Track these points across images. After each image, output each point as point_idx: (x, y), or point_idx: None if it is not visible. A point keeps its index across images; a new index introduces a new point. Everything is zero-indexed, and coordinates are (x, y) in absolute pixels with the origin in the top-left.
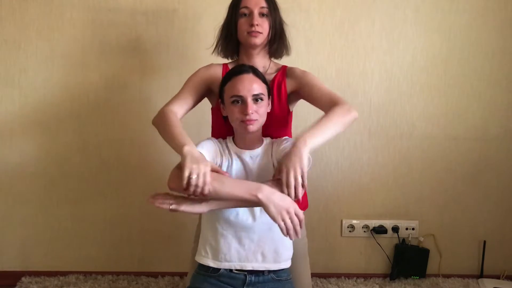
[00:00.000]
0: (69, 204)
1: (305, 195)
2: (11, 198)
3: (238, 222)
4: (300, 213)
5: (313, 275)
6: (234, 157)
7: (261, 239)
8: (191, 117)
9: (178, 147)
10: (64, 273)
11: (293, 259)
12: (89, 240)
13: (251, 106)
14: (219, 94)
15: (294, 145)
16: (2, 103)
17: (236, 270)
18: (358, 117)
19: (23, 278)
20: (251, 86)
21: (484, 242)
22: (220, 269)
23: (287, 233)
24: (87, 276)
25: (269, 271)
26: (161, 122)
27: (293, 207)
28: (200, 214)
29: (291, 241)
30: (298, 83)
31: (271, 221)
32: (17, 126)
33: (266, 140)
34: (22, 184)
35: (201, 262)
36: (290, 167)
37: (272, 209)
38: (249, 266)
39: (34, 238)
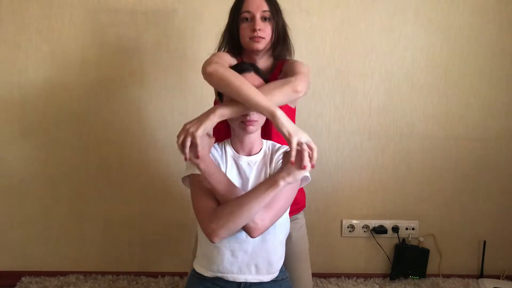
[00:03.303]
0: (69, 204)
1: (303, 195)
2: (11, 198)
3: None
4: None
5: (313, 275)
6: (230, 162)
7: (255, 250)
8: (191, 116)
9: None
10: (64, 273)
11: (294, 260)
12: (89, 240)
13: None
14: (218, 92)
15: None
16: (2, 103)
17: None
18: (302, 94)
19: (23, 278)
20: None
21: (484, 242)
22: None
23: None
24: (87, 276)
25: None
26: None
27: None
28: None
29: (283, 251)
30: (284, 73)
31: (265, 232)
32: (17, 126)
33: (266, 144)
34: (22, 184)
35: (197, 270)
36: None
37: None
38: (242, 279)
39: (34, 238)
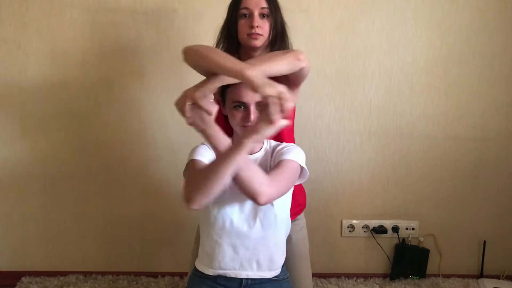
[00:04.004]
0: (69, 204)
1: (304, 195)
2: (11, 198)
3: (233, 229)
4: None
5: (313, 275)
6: None
7: (256, 246)
8: None
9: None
10: (64, 273)
11: (294, 260)
12: (89, 240)
13: (254, 112)
14: (220, 93)
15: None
16: (2, 103)
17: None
18: (305, 65)
19: (23, 278)
20: (254, 93)
21: (484, 242)
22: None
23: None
24: (87, 276)
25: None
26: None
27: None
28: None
29: (284, 248)
30: None
31: (267, 228)
32: (17, 126)
33: (267, 143)
34: (22, 184)
35: (198, 268)
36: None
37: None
38: (243, 275)
39: (34, 238)
